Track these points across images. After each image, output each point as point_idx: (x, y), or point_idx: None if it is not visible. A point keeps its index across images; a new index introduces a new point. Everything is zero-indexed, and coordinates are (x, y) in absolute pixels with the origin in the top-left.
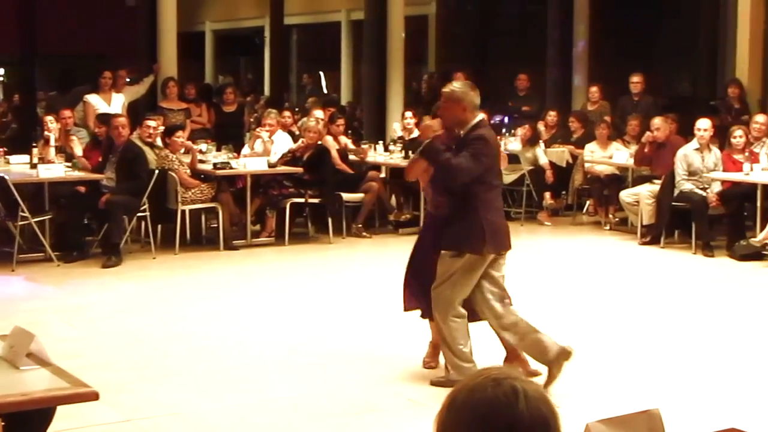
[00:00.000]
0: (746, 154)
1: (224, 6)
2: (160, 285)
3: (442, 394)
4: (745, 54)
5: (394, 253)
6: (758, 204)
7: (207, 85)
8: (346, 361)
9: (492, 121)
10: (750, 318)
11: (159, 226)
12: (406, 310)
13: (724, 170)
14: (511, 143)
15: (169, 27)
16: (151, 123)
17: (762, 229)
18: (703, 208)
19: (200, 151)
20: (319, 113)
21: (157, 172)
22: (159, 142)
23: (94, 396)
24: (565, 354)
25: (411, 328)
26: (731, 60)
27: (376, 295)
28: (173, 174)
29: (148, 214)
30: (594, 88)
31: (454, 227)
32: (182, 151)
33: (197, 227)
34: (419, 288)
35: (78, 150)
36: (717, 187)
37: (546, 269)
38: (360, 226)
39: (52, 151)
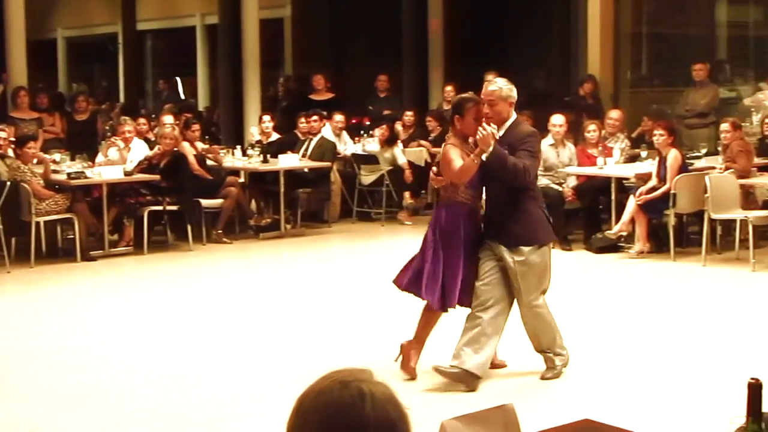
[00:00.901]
0: (600, 148)
1: (76, 12)
2: (16, 300)
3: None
4: (597, 50)
5: (256, 258)
6: (612, 197)
7: (59, 94)
8: (208, 370)
9: (350, 123)
10: (607, 308)
11: (13, 239)
12: (402, 290)
13: (578, 165)
14: (369, 144)
15: (18, 35)
16: (2, 134)
17: (617, 221)
18: (560, 202)
19: (54, 161)
20: (168, 119)
21: (8, 184)
22: (10, 153)
23: None
24: (469, 380)
25: (274, 334)
26: (584, 56)
27: (238, 301)
28: (26, 185)
29: (0, 227)
30: (449, 87)
31: (519, 221)
32: (35, 161)
33: (53, 239)
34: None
35: None
36: (572, 182)
37: None
38: (220, 231)
39: None
